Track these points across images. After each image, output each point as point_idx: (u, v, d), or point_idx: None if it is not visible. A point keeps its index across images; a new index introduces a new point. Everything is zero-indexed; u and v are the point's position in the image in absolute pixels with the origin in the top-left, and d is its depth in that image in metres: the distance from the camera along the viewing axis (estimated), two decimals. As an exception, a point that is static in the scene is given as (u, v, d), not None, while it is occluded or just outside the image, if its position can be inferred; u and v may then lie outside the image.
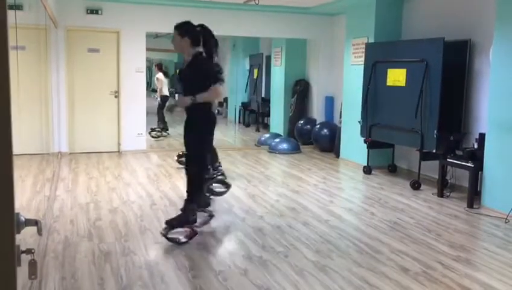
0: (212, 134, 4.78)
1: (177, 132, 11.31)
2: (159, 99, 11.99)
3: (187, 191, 4.71)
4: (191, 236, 4.38)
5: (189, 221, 4.49)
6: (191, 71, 4.51)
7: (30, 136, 4.63)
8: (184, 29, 4.51)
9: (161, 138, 11.16)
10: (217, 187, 5.99)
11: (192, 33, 4.48)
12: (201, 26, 4.60)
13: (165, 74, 12.05)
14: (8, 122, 1.27)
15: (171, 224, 4.44)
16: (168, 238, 4.34)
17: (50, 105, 7.36)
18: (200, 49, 4.51)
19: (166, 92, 11.83)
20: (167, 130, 11.48)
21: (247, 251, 4.26)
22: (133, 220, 5.07)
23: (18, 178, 3.22)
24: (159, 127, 11.42)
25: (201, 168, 4.62)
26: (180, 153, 7.73)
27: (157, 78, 11.74)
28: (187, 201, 4.65)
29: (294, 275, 3.74)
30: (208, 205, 5.02)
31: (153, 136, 11.08)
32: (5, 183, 1.27)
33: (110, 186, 6.53)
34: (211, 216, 4.91)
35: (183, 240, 4.34)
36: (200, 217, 4.74)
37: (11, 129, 1.28)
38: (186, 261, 3.98)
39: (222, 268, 3.86)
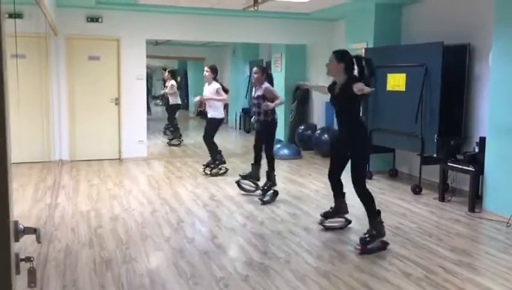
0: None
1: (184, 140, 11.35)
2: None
3: (365, 208, 4.61)
4: (384, 247, 4.46)
5: (382, 234, 4.49)
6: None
7: (31, 144, 4.64)
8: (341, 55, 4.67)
9: (180, 145, 11.18)
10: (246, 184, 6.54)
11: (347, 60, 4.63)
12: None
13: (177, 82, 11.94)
14: (4, 129, 1.27)
15: (365, 241, 4.41)
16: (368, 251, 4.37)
17: (51, 113, 7.39)
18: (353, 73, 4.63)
19: (178, 101, 11.66)
20: (181, 136, 11.49)
21: (248, 257, 4.25)
22: (134, 227, 5.07)
23: (18, 186, 3.23)
24: (176, 136, 11.40)
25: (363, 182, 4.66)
26: (207, 163, 7.86)
27: (171, 84, 11.47)
28: (369, 217, 4.54)
29: (296, 281, 3.73)
30: (346, 212, 5.03)
31: (174, 144, 11.13)
32: (2, 191, 1.27)
33: (111, 193, 6.53)
34: (348, 222, 5.07)
35: (377, 251, 4.41)
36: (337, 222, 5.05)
37: (6, 137, 1.28)
38: (187, 268, 3.97)
39: (223, 275, 3.85)
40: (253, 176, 6.51)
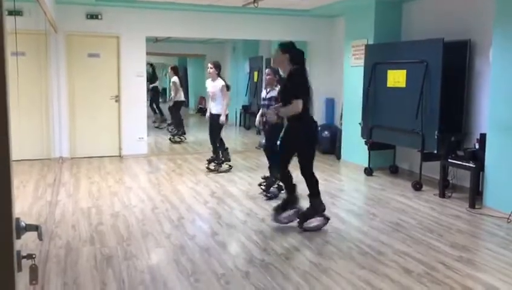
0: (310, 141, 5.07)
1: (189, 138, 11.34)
2: (171, 103, 11.78)
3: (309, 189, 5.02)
4: (325, 223, 4.93)
5: (319, 212, 4.95)
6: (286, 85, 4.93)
7: (31, 141, 4.64)
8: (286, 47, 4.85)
9: (181, 142, 11.11)
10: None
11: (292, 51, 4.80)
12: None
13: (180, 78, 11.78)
14: (6, 127, 1.27)
15: (304, 216, 4.89)
16: (307, 229, 4.83)
17: (51, 110, 7.38)
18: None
19: (182, 98, 11.50)
20: (184, 133, 11.41)
21: (249, 253, 4.26)
22: (134, 224, 5.07)
23: (19, 184, 3.23)
24: (175, 132, 11.34)
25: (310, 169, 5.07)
26: (210, 158, 7.84)
27: (173, 82, 11.36)
28: (310, 197, 4.97)
29: (297, 278, 3.74)
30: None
31: (175, 141, 11.09)
32: (4, 189, 1.27)
33: (112, 190, 6.53)
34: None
35: (321, 226, 4.90)
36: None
37: (9, 134, 1.28)
38: (188, 265, 3.97)
39: (224, 271, 3.86)
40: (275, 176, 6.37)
